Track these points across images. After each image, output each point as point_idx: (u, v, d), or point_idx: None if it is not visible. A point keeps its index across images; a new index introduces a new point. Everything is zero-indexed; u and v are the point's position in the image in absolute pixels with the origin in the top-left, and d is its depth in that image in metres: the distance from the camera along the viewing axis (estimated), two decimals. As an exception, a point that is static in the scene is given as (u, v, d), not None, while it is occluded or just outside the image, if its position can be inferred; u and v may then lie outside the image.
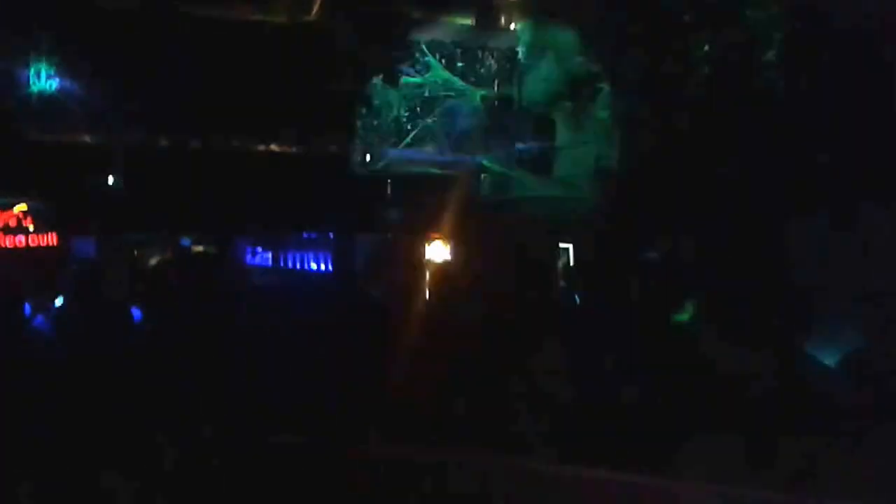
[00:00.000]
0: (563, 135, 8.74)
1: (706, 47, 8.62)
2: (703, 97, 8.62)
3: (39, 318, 6.37)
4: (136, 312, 6.78)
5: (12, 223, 8.36)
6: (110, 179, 8.75)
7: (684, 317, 6.37)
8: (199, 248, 8.69)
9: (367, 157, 8.53)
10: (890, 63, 7.78)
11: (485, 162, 8.65)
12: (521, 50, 9.13)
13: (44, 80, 8.34)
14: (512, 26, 8.87)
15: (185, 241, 9.10)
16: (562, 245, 8.89)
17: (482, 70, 8.95)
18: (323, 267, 8.79)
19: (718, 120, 8.82)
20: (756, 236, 7.54)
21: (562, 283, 7.58)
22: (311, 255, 8.97)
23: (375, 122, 9.02)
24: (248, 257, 9.02)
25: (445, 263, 8.06)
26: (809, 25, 8.74)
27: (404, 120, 8.97)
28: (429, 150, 8.60)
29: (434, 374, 4.59)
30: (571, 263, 8.33)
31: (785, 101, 8.85)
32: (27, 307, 6.24)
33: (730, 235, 7.84)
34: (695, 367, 4.31)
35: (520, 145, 8.48)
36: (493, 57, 8.94)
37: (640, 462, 3.52)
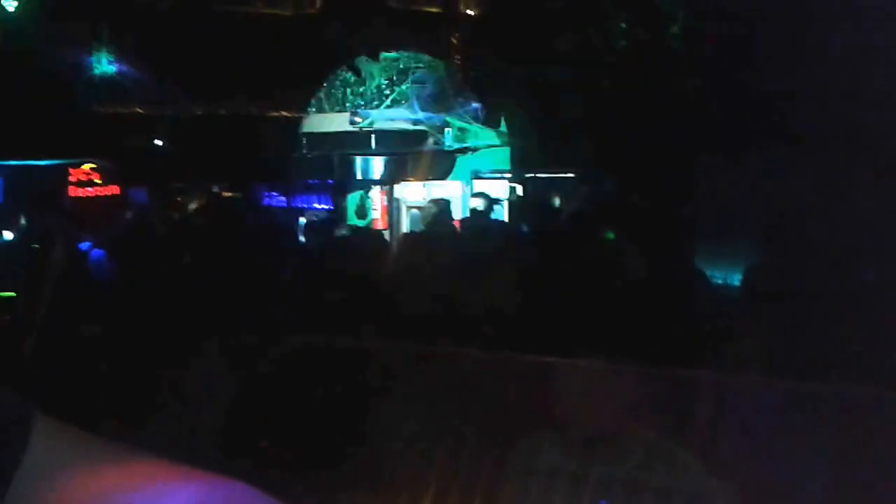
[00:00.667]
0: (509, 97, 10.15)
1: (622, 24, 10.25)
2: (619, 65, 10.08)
3: (99, 251, 7.81)
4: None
5: (83, 178, 9.78)
6: (158, 141, 10.36)
7: (609, 235, 7.84)
8: (228, 194, 10.31)
9: (355, 119, 10.13)
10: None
11: (448, 118, 9.74)
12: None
13: (105, 64, 9.99)
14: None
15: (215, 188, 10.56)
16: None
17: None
18: (324, 206, 10.45)
19: (634, 82, 10.15)
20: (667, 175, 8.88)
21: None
22: (315, 198, 10.63)
23: (361, 90, 10.63)
24: (265, 200, 10.60)
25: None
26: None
27: (384, 87, 10.23)
28: (403, 111, 9.80)
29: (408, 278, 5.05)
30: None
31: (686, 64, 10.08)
32: (88, 244, 7.63)
33: (646, 176, 9.15)
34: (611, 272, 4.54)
35: (475, 104, 10.03)
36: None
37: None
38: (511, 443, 2.71)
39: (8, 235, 7.46)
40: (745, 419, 2.56)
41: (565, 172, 9.17)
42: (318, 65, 9.67)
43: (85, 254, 6.58)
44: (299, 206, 10.13)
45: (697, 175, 7.93)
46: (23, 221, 7.20)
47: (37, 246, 5.94)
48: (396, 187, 9.38)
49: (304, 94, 9.99)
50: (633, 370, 2.88)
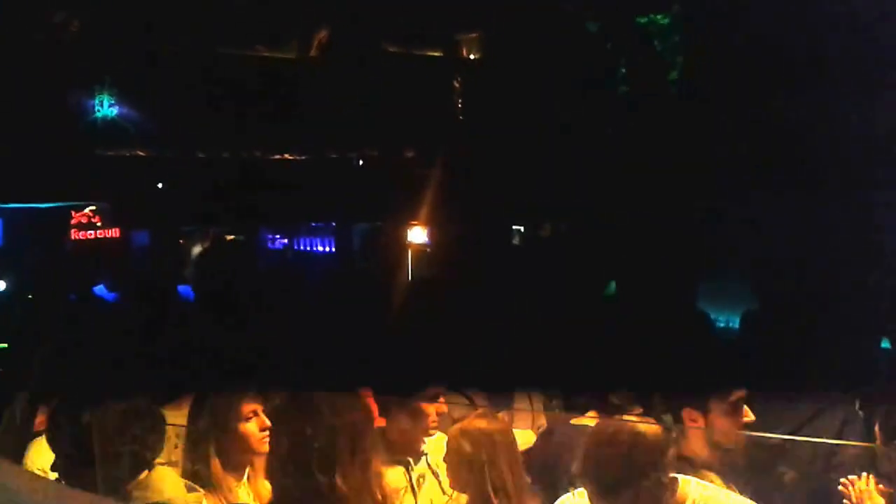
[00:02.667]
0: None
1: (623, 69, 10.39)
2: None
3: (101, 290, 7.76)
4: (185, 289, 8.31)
5: (84, 220, 10.04)
6: (160, 184, 10.35)
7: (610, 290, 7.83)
8: (231, 237, 10.31)
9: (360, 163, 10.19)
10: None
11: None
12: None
13: (106, 106, 9.99)
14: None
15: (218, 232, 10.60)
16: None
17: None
18: (327, 249, 10.47)
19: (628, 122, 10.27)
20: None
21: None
22: (318, 240, 10.65)
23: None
24: (269, 243, 10.63)
25: (423, 245, 9.60)
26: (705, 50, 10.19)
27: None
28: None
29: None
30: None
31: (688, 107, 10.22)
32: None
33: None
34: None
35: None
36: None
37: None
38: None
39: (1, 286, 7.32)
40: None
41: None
42: (319, 106, 9.70)
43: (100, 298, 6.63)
44: (303, 248, 10.18)
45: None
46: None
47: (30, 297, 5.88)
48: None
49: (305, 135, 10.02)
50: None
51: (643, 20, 10.28)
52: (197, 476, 3.08)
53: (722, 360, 3.52)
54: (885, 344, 4.18)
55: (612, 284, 6.85)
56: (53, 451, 3.16)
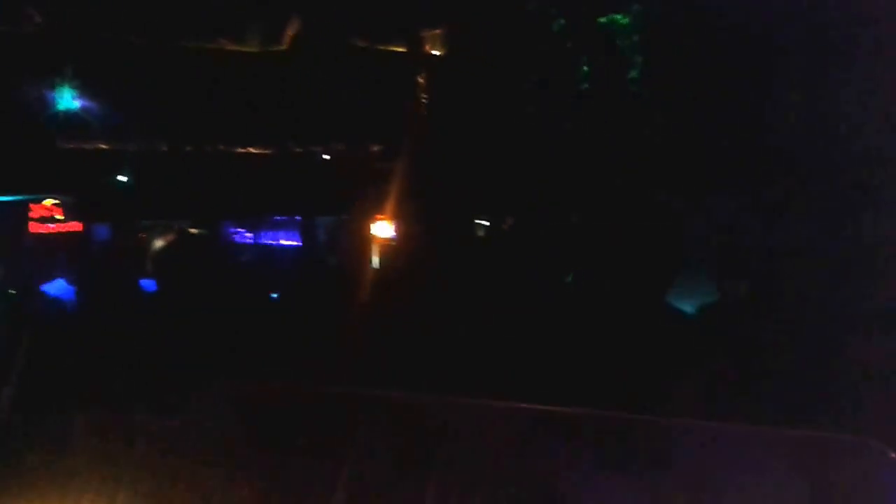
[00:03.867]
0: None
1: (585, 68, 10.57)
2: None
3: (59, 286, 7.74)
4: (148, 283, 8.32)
5: (45, 213, 9.91)
6: (121, 177, 10.27)
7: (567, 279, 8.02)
8: (194, 231, 10.19)
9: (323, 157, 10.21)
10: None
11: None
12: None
13: (68, 99, 9.90)
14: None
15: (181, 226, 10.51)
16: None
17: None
18: (292, 242, 10.48)
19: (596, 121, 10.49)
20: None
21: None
22: (283, 234, 10.63)
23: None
24: (234, 237, 10.59)
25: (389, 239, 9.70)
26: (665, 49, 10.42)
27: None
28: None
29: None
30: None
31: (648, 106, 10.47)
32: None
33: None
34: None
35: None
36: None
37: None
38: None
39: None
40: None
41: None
42: (283, 100, 9.72)
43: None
44: (267, 242, 10.16)
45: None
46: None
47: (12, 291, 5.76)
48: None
49: (269, 129, 10.04)
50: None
51: (603, 20, 10.47)
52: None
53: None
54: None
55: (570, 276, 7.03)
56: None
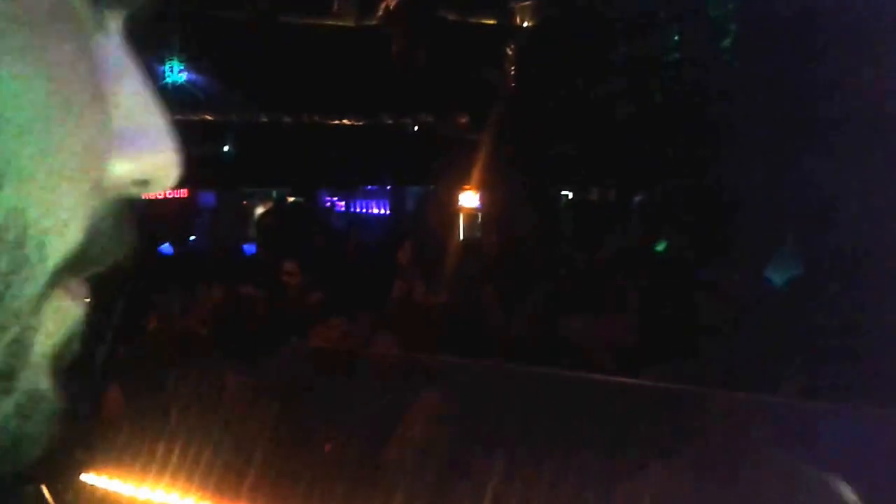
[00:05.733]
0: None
1: (676, 37, 10.41)
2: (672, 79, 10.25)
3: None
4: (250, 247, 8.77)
5: None
6: (226, 147, 10.76)
7: (661, 247, 8.06)
8: (292, 199, 10.72)
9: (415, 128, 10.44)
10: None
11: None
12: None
13: (175, 72, 10.44)
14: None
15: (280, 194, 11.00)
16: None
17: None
18: (382, 211, 10.77)
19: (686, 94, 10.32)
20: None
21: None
22: (373, 202, 10.93)
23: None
24: (327, 204, 10.98)
25: (474, 209, 9.88)
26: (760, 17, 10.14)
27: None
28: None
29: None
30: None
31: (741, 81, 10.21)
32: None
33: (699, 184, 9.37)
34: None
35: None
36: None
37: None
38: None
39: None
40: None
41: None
42: (376, 73, 9.95)
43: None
44: (359, 210, 10.51)
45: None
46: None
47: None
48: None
49: (365, 102, 10.31)
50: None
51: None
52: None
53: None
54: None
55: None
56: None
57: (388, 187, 10.52)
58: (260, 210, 9.97)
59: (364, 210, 10.73)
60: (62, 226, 0.33)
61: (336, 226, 9.70)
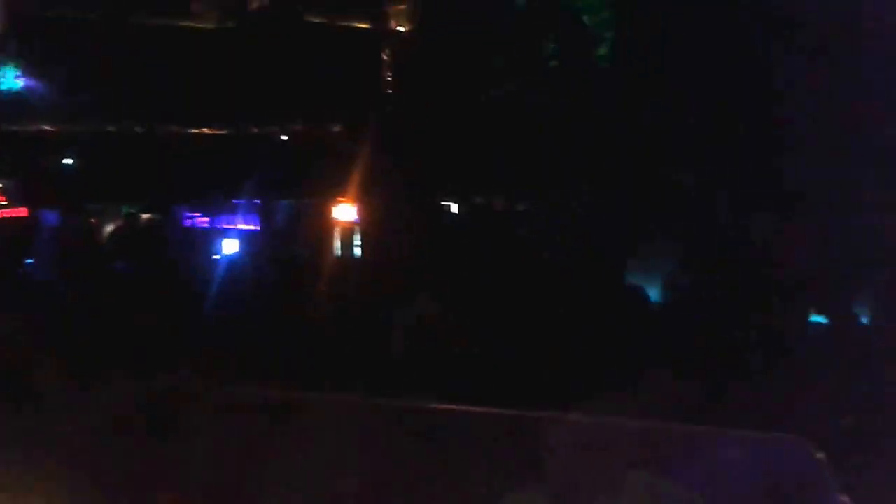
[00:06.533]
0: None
1: (552, 45, 10.26)
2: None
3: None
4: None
5: None
6: (69, 160, 9.80)
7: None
8: (147, 216, 9.84)
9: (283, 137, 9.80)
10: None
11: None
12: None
13: (11, 79, 9.41)
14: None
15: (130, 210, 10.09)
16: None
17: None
18: (251, 227, 10.05)
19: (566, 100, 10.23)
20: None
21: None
22: (241, 217, 10.19)
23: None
24: (187, 220, 10.14)
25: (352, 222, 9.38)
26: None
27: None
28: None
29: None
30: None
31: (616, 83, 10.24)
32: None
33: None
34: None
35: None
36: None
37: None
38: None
39: None
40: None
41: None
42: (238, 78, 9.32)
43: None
44: (223, 226, 9.74)
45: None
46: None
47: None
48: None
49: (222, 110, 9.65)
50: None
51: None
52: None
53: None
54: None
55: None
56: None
57: (258, 201, 9.86)
58: (110, 228, 9.09)
59: (229, 226, 9.99)
60: None
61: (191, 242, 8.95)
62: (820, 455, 2.28)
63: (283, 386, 3.18)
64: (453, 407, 3.04)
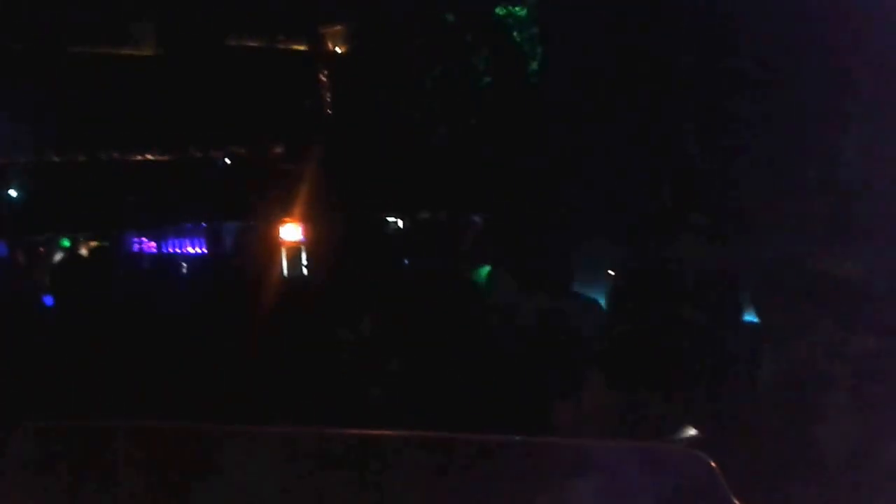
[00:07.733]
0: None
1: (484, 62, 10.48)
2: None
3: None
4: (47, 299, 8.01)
5: None
6: (11, 190, 9.73)
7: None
8: (94, 243, 9.83)
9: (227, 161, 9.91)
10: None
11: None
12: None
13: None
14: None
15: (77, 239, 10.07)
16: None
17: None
18: (198, 250, 10.08)
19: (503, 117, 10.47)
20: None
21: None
22: (188, 241, 10.22)
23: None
24: (135, 246, 10.13)
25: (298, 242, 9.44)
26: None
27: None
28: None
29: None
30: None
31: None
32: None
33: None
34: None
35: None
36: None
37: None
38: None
39: None
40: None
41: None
42: (180, 104, 9.43)
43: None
44: (172, 251, 9.78)
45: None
46: None
47: None
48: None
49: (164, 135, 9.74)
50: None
51: (501, 12, 10.45)
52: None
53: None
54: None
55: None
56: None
57: (203, 224, 9.92)
58: (57, 257, 9.06)
59: (177, 250, 10.03)
60: None
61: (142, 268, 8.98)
62: (713, 463, 2.34)
63: (216, 417, 3.14)
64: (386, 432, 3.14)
